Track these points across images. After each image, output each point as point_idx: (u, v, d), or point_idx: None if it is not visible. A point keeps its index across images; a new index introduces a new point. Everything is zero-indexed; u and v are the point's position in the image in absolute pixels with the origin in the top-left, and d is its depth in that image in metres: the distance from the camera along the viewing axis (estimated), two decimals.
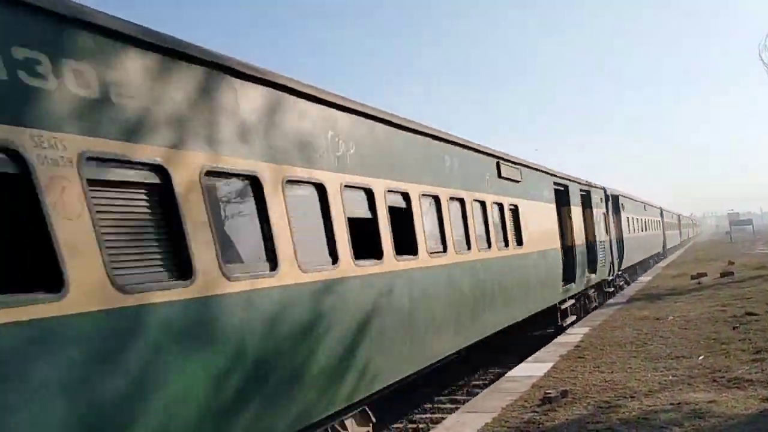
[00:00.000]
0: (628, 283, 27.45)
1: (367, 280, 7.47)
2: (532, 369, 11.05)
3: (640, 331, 13.57)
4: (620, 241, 25.80)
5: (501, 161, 12.80)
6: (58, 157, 4.27)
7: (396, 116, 8.69)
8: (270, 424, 5.79)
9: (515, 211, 13.30)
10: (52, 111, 4.27)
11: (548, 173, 16.26)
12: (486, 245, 11.43)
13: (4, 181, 4.11)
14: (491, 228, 11.70)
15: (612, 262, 23.14)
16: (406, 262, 8.44)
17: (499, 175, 12.63)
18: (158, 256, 4.97)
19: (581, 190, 19.54)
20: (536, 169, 15.26)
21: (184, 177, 5.15)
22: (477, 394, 10.68)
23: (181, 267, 5.07)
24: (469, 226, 10.68)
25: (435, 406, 12.68)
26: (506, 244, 12.49)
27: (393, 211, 8.29)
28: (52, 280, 4.19)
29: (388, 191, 8.24)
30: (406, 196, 8.72)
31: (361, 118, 7.89)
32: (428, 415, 11.75)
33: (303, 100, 6.77)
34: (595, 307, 19.68)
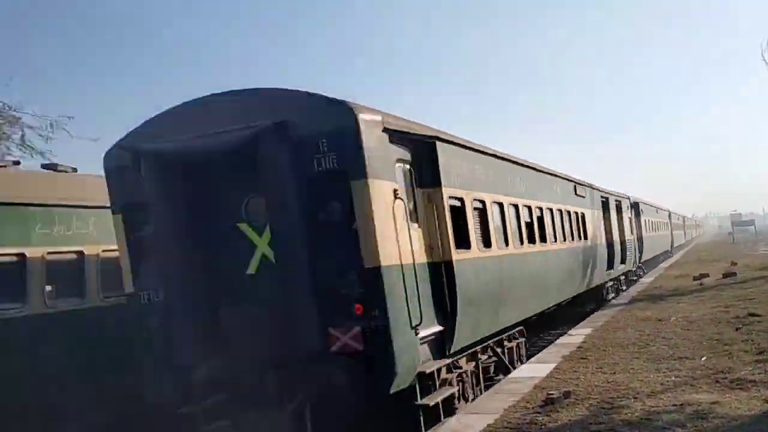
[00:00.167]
0: (644, 273, 33.31)
1: (546, 253, 14.08)
2: (534, 370, 11.05)
3: (642, 332, 13.56)
4: (640, 240, 31.50)
5: (576, 184, 18.76)
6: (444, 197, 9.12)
7: (536, 164, 15.10)
8: (497, 320, 10.88)
9: (582, 216, 18.67)
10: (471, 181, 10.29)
11: (597, 189, 21.83)
12: (572, 238, 16.94)
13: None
14: (573, 227, 17.19)
15: (635, 256, 29.24)
16: (554, 246, 14.83)
17: (575, 193, 18.44)
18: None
19: (615, 200, 24.93)
20: (591, 187, 20.83)
21: (471, 202, 10.12)
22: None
23: (467, 242, 9.68)
24: (565, 225, 16.29)
25: None
26: (580, 238, 18.00)
27: (538, 218, 13.88)
28: None
29: (533, 207, 13.75)
30: (539, 209, 14.17)
31: (518, 167, 13.47)
32: None
33: (471, 152, 10.84)
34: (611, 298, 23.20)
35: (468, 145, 10.73)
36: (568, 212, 16.79)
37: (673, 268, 34.96)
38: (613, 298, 22.71)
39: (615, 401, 8.30)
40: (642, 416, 7.50)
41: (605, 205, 22.83)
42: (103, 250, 10.18)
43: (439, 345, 8.70)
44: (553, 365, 11.19)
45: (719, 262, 33.11)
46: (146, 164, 8.11)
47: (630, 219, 27.95)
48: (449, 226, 9.08)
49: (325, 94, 7.98)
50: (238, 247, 8.18)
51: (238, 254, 8.18)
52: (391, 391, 7.60)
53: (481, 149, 11.34)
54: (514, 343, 12.32)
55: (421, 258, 8.61)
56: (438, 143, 9.20)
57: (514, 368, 11.83)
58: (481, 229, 10.48)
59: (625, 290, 25.37)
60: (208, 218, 8.17)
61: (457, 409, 8.99)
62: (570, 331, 15.27)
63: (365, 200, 7.57)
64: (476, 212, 10.40)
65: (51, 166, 11.45)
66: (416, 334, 7.92)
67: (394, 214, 7.94)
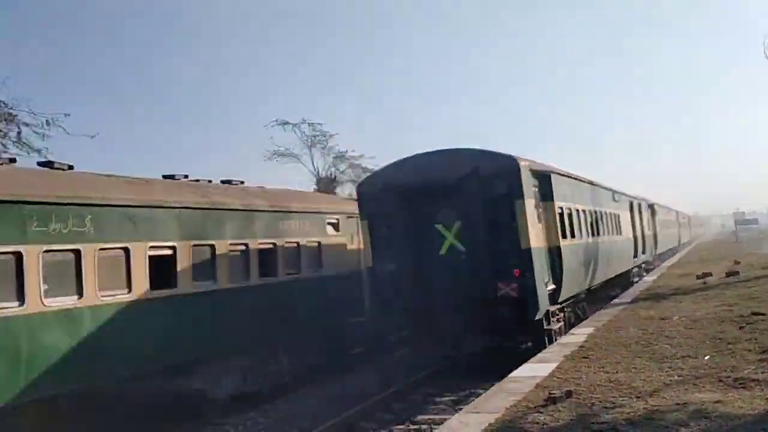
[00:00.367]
0: (657, 266, 38.69)
1: (592, 244, 18.68)
2: (535, 369, 10.94)
3: (645, 331, 13.44)
4: (656, 236, 37.81)
5: (614, 192, 24.41)
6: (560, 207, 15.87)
7: (593, 179, 21.23)
8: (583, 284, 17.32)
9: (618, 216, 24.01)
10: (566, 196, 16.64)
11: (625, 195, 27.53)
12: (612, 233, 22.54)
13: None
14: (613, 225, 22.73)
15: (652, 249, 35.76)
16: (605, 237, 20.60)
17: (613, 199, 23.88)
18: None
19: (637, 203, 30.77)
20: (623, 194, 26.60)
21: (566, 210, 16.21)
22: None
23: (566, 235, 15.54)
24: (609, 224, 21.99)
25: (437, 406, 12.60)
26: (617, 233, 23.63)
27: (596, 219, 19.66)
28: None
29: (594, 211, 19.55)
30: (596, 212, 19.63)
31: (584, 183, 19.30)
32: (431, 416, 11.68)
33: (573, 180, 18.04)
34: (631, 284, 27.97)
35: (564, 173, 17.07)
36: (609, 214, 22.46)
37: (676, 266, 34.79)
38: (637, 281, 27.72)
39: (617, 400, 8.20)
40: (645, 415, 7.41)
41: (631, 207, 28.44)
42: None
43: (553, 297, 14.70)
44: (554, 364, 11.07)
45: (722, 261, 32.91)
46: (386, 191, 14.36)
47: (648, 218, 34.02)
48: (558, 225, 15.13)
49: (497, 150, 14.54)
50: (434, 239, 14.08)
51: (434, 243, 14.08)
52: (535, 319, 13.61)
53: (569, 174, 17.63)
54: (583, 303, 18.60)
55: (545, 244, 14.62)
56: (552, 175, 15.55)
57: (585, 318, 17.05)
58: (571, 226, 16.41)
59: (645, 276, 30.41)
60: (419, 222, 14.16)
61: (556, 337, 14.14)
62: (572, 330, 15.16)
63: (521, 211, 13.62)
64: (569, 216, 16.32)
65: (47, 164, 11.41)
66: (547, 288, 14.15)
67: (533, 219, 13.93)
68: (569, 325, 15.74)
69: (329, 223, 16.54)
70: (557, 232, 14.92)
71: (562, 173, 16.59)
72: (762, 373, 8.84)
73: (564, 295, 15.13)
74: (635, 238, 28.07)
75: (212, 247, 12.56)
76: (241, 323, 12.96)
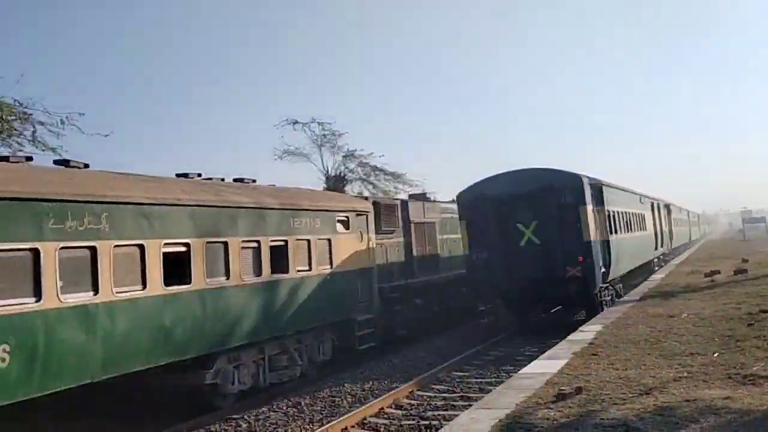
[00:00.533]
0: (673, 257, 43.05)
1: (628, 238, 23.85)
2: (545, 366, 11.03)
3: (653, 329, 13.51)
4: (671, 232, 42.00)
5: (641, 196, 29.16)
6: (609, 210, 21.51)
7: (625, 186, 26.32)
8: (624, 268, 23.35)
9: (643, 215, 28.84)
10: (611, 201, 21.86)
11: (648, 197, 32.08)
12: (640, 229, 27.23)
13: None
14: (640, 222, 27.50)
15: (668, 243, 40.03)
16: (636, 232, 26.06)
17: (640, 201, 28.67)
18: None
19: (657, 203, 35.01)
20: (646, 196, 31.08)
21: (612, 212, 21.71)
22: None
23: (613, 231, 21.13)
24: (637, 222, 26.45)
25: (448, 403, 12.70)
26: (643, 230, 28.23)
27: (629, 218, 24.70)
28: None
29: (626, 212, 24.16)
30: (627, 213, 24.43)
31: (619, 190, 24.16)
32: (440, 413, 11.78)
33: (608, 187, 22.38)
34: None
35: (610, 184, 21.92)
36: (638, 214, 27.37)
37: (684, 264, 34.77)
38: (658, 269, 32.78)
39: (627, 396, 8.29)
40: (654, 411, 7.50)
41: (652, 207, 32.85)
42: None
43: (605, 276, 19.43)
44: (564, 361, 11.16)
45: (730, 260, 32.89)
46: (483, 201, 19.19)
47: (665, 216, 38.56)
48: (607, 224, 20.02)
49: (566, 169, 19.49)
50: (516, 234, 18.75)
51: (516, 237, 18.76)
52: (593, 293, 18.87)
53: (613, 185, 22.77)
54: (620, 284, 22.95)
55: (600, 238, 19.32)
56: (603, 186, 20.56)
57: (621, 296, 21.54)
58: (616, 225, 21.34)
59: (663, 266, 35.10)
60: (505, 222, 18.86)
61: (606, 306, 19.39)
62: (581, 328, 15.24)
63: (584, 214, 18.40)
64: (614, 217, 21.09)
65: (63, 162, 11.55)
66: (601, 270, 18.85)
67: (592, 219, 18.66)
68: (612, 301, 20.48)
69: (339, 221, 16.64)
70: (607, 229, 20.00)
71: (610, 185, 21.90)
72: None
73: (611, 276, 20.24)
74: (656, 233, 32.85)
75: (225, 244, 12.69)
76: (253, 319, 13.11)
